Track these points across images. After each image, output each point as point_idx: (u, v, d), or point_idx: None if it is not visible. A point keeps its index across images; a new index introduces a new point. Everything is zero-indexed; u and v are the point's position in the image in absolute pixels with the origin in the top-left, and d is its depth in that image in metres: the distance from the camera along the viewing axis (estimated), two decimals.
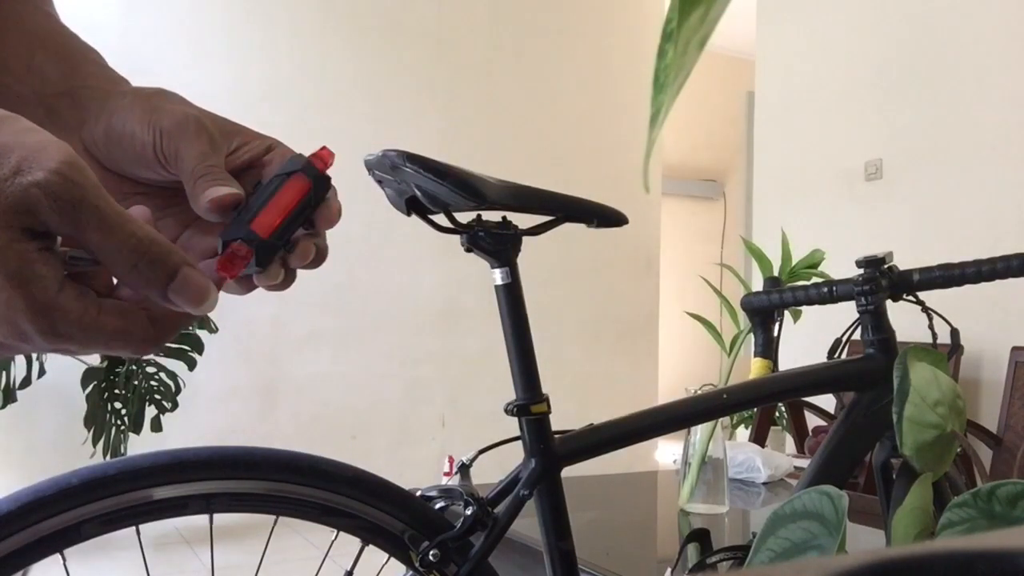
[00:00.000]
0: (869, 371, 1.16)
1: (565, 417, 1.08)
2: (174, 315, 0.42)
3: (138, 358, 0.41)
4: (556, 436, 1.02)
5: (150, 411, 3.33)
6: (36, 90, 0.48)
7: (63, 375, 3.26)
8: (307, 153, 0.49)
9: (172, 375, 3.37)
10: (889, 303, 1.18)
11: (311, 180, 0.47)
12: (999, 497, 0.73)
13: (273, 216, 0.46)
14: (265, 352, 3.98)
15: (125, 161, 0.48)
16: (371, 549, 0.96)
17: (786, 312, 1.36)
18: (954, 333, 1.16)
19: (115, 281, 0.42)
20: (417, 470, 4.11)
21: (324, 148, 0.48)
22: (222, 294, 0.46)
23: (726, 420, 3.72)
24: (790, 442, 3.72)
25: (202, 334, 3.39)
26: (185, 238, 0.51)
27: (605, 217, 1.04)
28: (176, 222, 0.50)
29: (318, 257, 0.49)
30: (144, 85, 0.50)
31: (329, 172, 0.48)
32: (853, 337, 1.22)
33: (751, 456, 2.11)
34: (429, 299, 4.36)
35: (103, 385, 3.25)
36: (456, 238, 0.99)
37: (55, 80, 0.49)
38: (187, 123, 0.47)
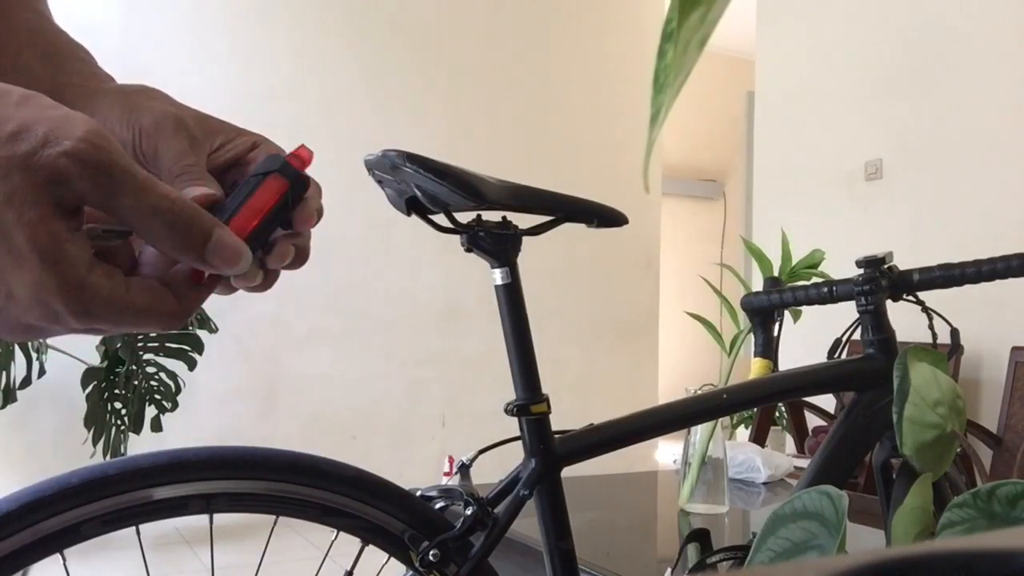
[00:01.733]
0: (869, 371, 1.16)
1: (565, 417, 1.08)
2: (196, 289, 0.42)
3: (168, 331, 0.41)
4: (556, 436, 1.02)
5: (150, 411, 3.33)
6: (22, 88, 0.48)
7: (63, 375, 3.26)
8: (290, 151, 0.48)
9: (172, 375, 3.37)
10: (889, 303, 1.18)
11: (288, 180, 0.46)
12: (999, 497, 0.73)
13: (249, 218, 0.45)
14: (265, 352, 3.97)
15: None
16: (371, 549, 0.96)
17: (786, 312, 1.36)
18: (954, 333, 1.16)
19: (138, 255, 0.42)
20: (417, 470, 4.11)
21: (302, 147, 0.47)
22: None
23: (726, 420, 3.72)
24: (790, 442, 3.72)
25: (202, 334, 3.39)
26: None
27: (605, 217, 1.04)
28: None
29: (298, 258, 0.48)
30: (142, 84, 0.50)
31: (310, 171, 0.47)
32: (853, 337, 1.22)
33: (751, 456, 2.11)
34: (429, 299, 4.36)
35: (103, 385, 3.25)
36: (456, 238, 0.99)
37: (41, 78, 0.49)
38: (166, 121, 0.47)
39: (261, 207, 0.45)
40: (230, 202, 0.45)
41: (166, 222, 0.38)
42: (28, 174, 0.35)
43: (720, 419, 1.59)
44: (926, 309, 1.17)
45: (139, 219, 0.38)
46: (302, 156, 0.47)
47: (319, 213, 0.48)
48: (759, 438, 3.32)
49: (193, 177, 0.46)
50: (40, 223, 0.35)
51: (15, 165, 0.35)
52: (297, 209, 0.47)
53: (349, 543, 0.95)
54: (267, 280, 0.48)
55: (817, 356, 1.20)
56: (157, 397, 3.34)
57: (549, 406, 1.01)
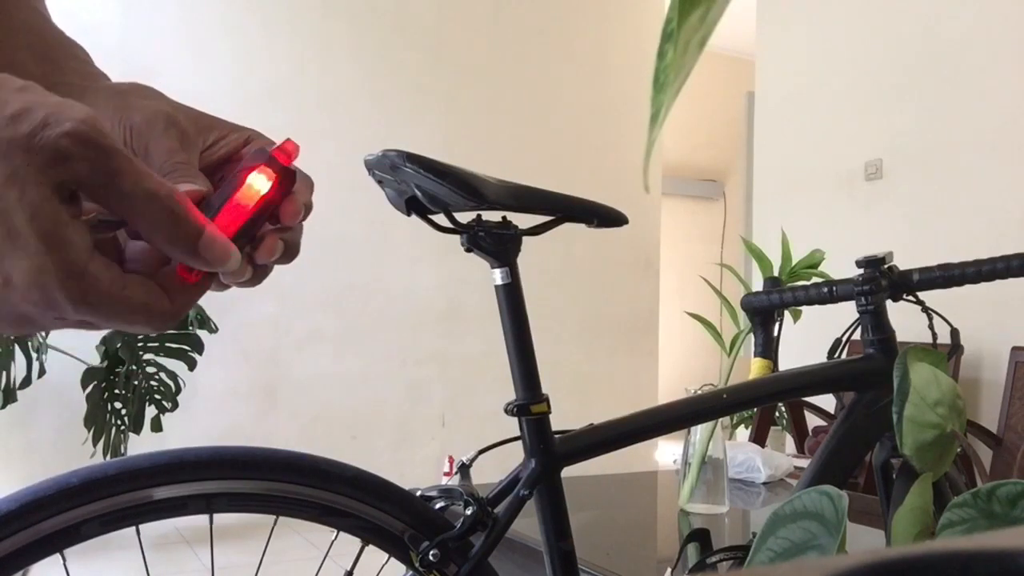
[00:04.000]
0: (869, 371, 1.16)
1: (565, 417, 1.08)
2: (187, 290, 0.42)
3: (158, 331, 0.41)
4: (556, 436, 1.02)
5: (150, 411, 3.33)
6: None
7: (63, 375, 3.26)
8: (287, 143, 0.48)
9: (172, 375, 3.37)
10: (889, 303, 1.18)
11: (275, 174, 0.46)
12: (999, 497, 0.73)
13: (236, 213, 0.44)
14: (265, 352, 3.97)
15: None
16: (371, 549, 0.96)
17: (786, 312, 1.36)
18: (954, 333, 1.16)
19: (126, 250, 0.42)
20: (417, 470, 4.11)
21: (288, 140, 0.47)
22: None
23: (726, 420, 3.72)
24: (790, 442, 3.72)
25: (202, 334, 3.39)
26: None
27: (605, 217, 1.04)
28: None
29: (287, 253, 0.48)
30: (135, 83, 0.50)
31: (306, 168, 0.47)
32: (853, 337, 1.22)
33: (751, 456, 2.11)
34: (429, 299, 4.36)
35: (103, 385, 3.25)
36: (456, 238, 0.99)
37: (36, 77, 0.49)
38: (157, 119, 0.47)
39: (247, 202, 0.45)
40: (217, 198, 0.45)
41: (162, 210, 0.38)
42: (29, 155, 0.35)
43: (720, 419, 1.59)
44: (926, 309, 1.17)
45: (135, 206, 0.37)
46: (288, 150, 0.46)
47: (308, 208, 0.48)
48: (759, 438, 3.32)
49: (181, 174, 0.45)
50: (42, 204, 0.35)
51: (16, 145, 0.35)
52: (284, 203, 0.46)
53: (349, 543, 0.95)
54: (256, 275, 0.48)
55: (817, 356, 1.20)
56: (157, 397, 3.34)
57: (549, 406, 1.01)
